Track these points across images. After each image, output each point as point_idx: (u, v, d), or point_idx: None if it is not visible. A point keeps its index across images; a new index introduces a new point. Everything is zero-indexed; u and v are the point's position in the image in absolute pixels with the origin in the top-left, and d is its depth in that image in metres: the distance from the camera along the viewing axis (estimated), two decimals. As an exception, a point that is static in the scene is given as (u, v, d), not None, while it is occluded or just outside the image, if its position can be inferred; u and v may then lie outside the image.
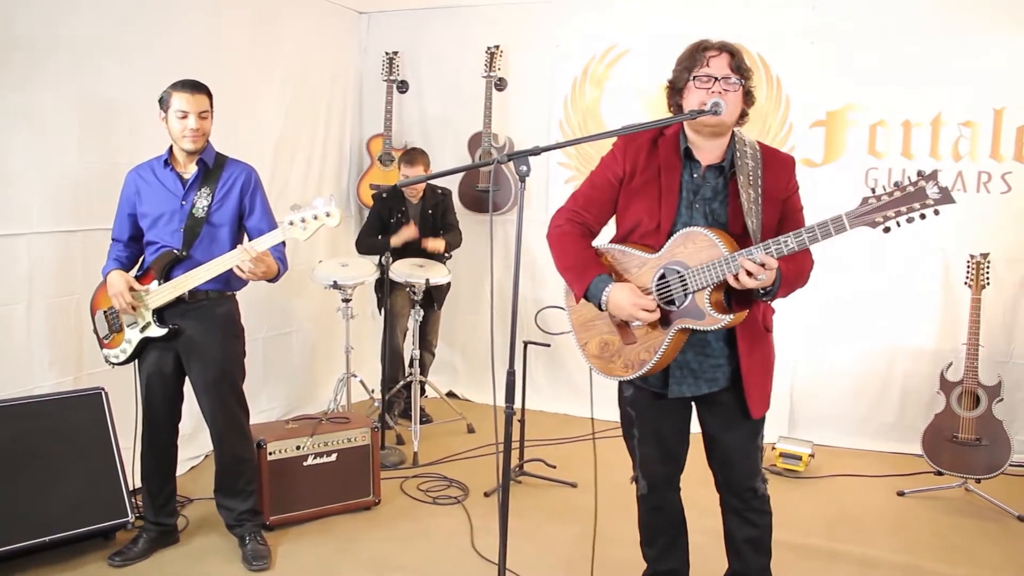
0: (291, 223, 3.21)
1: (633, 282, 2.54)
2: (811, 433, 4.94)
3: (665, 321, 2.47)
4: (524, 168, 2.33)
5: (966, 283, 4.26)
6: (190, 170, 3.37)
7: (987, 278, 4.23)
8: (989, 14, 4.65)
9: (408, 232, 5.20)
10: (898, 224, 2.21)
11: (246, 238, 3.46)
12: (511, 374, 2.39)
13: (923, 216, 2.18)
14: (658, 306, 2.47)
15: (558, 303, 5.49)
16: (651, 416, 2.72)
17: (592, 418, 2.86)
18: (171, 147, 3.37)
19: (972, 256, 4.26)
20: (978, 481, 4.19)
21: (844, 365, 5.07)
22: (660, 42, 5.29)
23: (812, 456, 4.64)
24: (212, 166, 3.38)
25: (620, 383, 2.74)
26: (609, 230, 2.74)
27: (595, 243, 2.70)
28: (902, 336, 4.98)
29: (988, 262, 4.23)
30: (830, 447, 4.95)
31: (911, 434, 4.65)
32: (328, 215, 3.19)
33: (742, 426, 2.64)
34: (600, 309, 2.55)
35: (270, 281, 3.42)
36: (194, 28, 4.53)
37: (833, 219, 2.23)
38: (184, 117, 3.24)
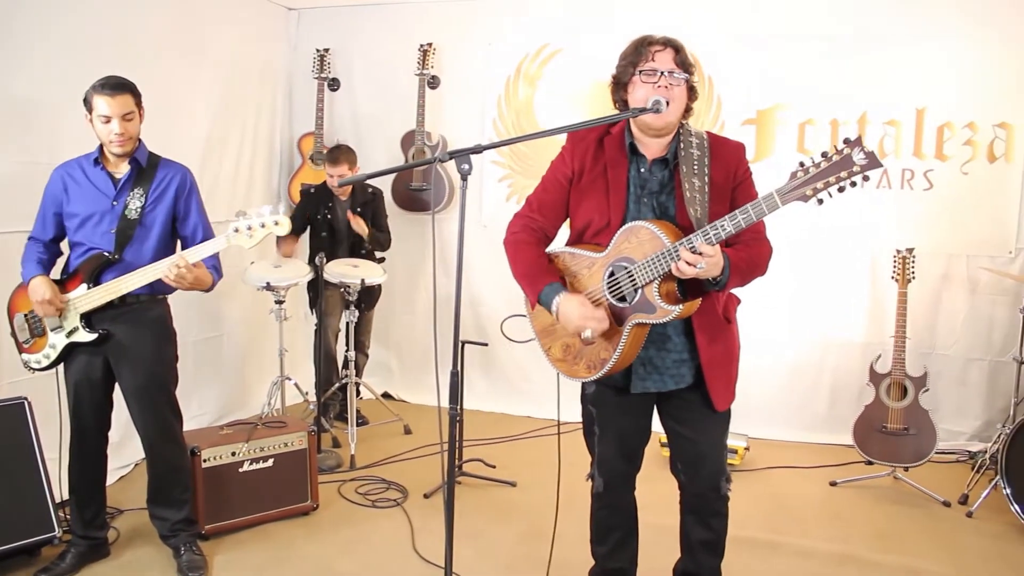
0: (236, 230, 3.12)
1: (585, 283, 2.54)
2: (746, 426, 5.00)
3: (620, 319, 2.46)
4: (466, 166, 2.31)
5: (893, 277, 4.38)
6: (122, 170, 3.24)
7: (913, 272, 4.35)
8: (911, 20, 4.81)
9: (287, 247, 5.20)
10: (830, 195, 2.20)
11: (179, 242, 3.36)
12: (455, 375, 2.37)
13: (853, 184, 2.17)
14: (610, 304, 2.47)
15: (494, 302, 5.55)
16: (613, 414, 2.71)
17: (559, 421, 2.83)
18: (101, 144, 3.23)
19: (898, 251, 4.38)
20: (906, 469, 4.32)
21: (776, 359, 5.16)
22: (592, 41, 5.34)
23: (747, 449, 4.72)
24: (146, 166, 3.26)
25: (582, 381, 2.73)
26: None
27: (550, 247, 2.69)
28: (832, 330, 5.12)
29: (913, 257, 4.36)
30: (764, 439, 5.04)
31: (841, 425, 4.77)
32: (277, 223, 3.12)
33: (708, 421, 2.65)
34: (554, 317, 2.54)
35: (204, 291, 3.32)
36: (117, 22, 4.37)
37: (765, 198, 2.26)
38: (107, 122, 3.10)
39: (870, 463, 4.37)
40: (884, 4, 4.85)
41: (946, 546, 3.74)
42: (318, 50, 5.85)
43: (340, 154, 5.16)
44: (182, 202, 3.33)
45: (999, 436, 4.35)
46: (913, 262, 4.35)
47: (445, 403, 2.35)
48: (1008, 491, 3.84)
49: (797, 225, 4.85)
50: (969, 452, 4.83)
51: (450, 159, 2.31)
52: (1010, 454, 3.85)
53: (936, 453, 4.25)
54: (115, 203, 3.21)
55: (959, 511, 4.10)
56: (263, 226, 3.12)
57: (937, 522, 4.00)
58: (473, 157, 2.35)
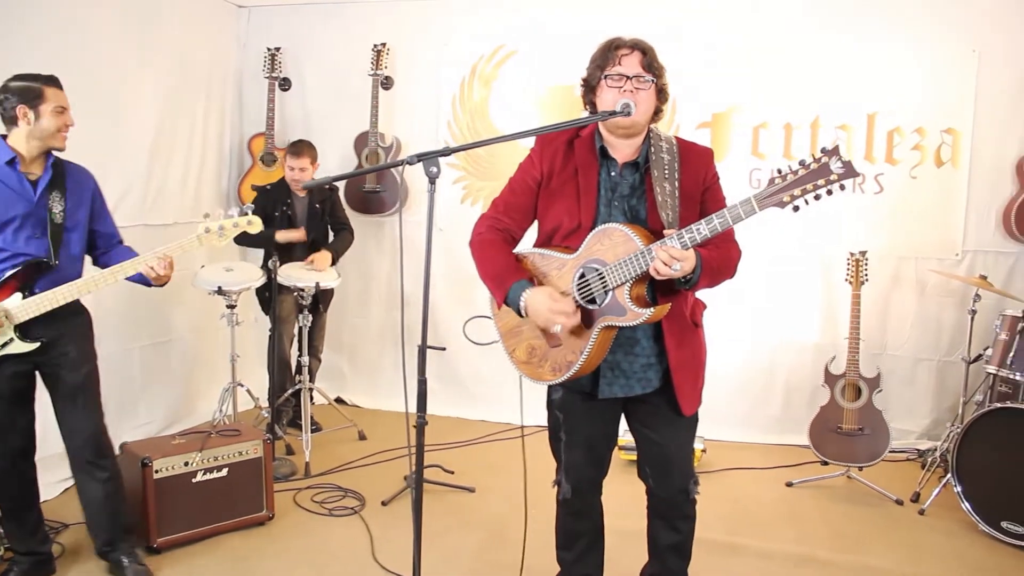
0: (207, 231, 3.12)
1: (555, 284, 2.50)
2: (702, 428, 5.00)
3: (588, 321, 2.44)
4: (435, 170, 2.28)
5: (847, 280, 4.44)
6: (36, 171, 3.08)
7: (866, 275, 4.42)
8: (862, 25, 4.89)
9: (295, 235, 4.99)
10: (806, 202, 2.23)
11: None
12: (423, 383, 2.33)
13: (830, 192, 2.19)
14: (580, 306, 2.44)
15: (449, 305, 5.50)
16: (580, 419, 2.68)
17: (522, 425, 2.78)
18: (9, 147, 3.03)
19: (852, 254, 4.44)
20: (860, 469, 4.38)
21: (731, 361, 5.18)
22: (548, 43, 5.32)
23: (704, 451, 4.75)
24: (57, 168, 3.14)
25: (548, 386, 2.69)
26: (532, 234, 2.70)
27: (518, 248, 2.66)
28: (786, 332, 5.17)
29: (866, 259, 4.42)
30: (720, 441, 5.08)
31: (795, 426, 4.83)
32: (250, 223, 3.18)
33: (676, 426, 2.64)
34: (520, 315, 2.50)
35: (160, 285, 3.25)
36: (62, 17, 4.22)
37: (742, 202, 2.25)
38: (62, 113, 3.01)
39: (825, 463, 4.42)
40: (837, 10, 4.92)
41: (901, 544, 3.80)
42: (269, 49, 5.73)
43: (303, 147, 5.06)
44: (97, 202, 3.28)
45: (948, 435, 4.43)
46: (866, 265, 4.41)
47: (411, 409, 2.31)
48: (959, 489, 3.91)
49: (751, 229, 4.89)
50: (918, 450, 4.92)
51: (418, 161, 2.27)
52: (961, 453, 3.91)
53: (889, 452, 4.32)
54: (37, 207, 3.06)
55: (912, 509, 4.17)
56: (235, 226, 3.15)
57: (891, 520, 4.06)
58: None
